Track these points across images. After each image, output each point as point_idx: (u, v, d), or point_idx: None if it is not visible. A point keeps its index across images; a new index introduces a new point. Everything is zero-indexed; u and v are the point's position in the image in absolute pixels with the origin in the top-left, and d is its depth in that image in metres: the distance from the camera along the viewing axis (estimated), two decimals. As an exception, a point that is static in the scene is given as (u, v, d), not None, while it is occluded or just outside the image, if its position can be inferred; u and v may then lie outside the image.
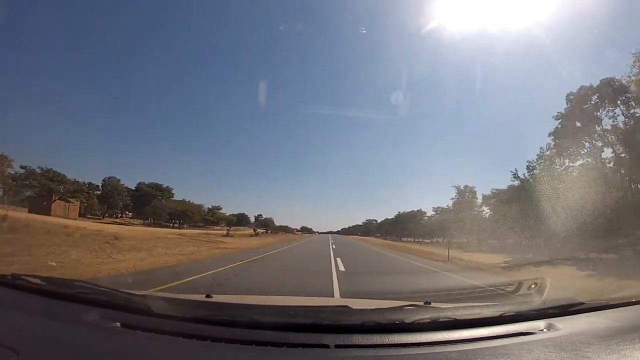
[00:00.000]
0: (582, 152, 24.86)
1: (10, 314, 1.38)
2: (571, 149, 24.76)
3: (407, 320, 1.29)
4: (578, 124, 24.09)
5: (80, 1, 54.75)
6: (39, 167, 39.49)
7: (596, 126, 23.61)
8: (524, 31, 32.19)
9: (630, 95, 21.65)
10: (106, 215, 56.24)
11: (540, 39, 27.35)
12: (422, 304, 1.59)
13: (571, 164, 24.87)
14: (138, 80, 78.37)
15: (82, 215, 53.16)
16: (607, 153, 24.17)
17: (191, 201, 58.90)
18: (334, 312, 1.42)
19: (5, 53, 46.04)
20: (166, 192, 54.95)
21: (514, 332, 1.30)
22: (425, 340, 1.21)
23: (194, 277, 7.26)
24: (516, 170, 26.77)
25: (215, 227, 54.86)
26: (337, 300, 2.70)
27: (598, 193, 17.06)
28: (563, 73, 32.35)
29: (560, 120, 24.87)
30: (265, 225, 74.46)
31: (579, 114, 23.56)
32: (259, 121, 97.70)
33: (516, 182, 26.97)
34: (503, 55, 39.55)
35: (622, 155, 22.94)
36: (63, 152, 74.07)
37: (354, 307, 1.44)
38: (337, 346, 1.15)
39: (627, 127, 22.32)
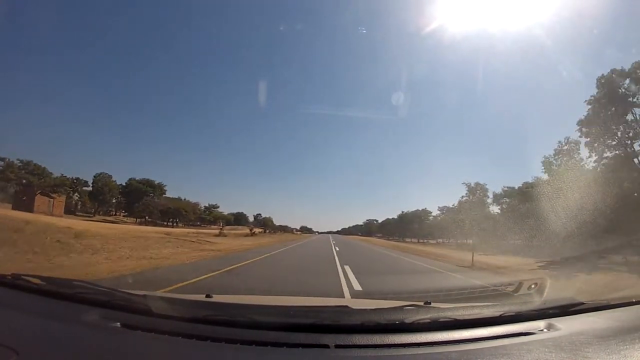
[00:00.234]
0: (613, 142, 22.12)
1: (10, 314, 1.40)
2: (602, 139, 22.01)
3: (407, 321, 1.31)
4: (609, 111, 21.47)
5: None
6: (18, 160, 36.89)
7: (629, 114, 21.03)
8: (525, 31, 32.42)
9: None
10: (100, 213, 53.93)
11: (541, 39, 27.34)
12: (422, 304, 1.60)
13: (606, 154, 22.17)
14: (137, 79, 79.96)
15: (71, 212, 50.82)
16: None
17: (187, 199, 56.60)
18: (334, 312, 1.43)
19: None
20: (158, 188, 52.63)
21: (514, 332, 1.33)
22: (426, 341, 1.23)
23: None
24: (544, 162, 25.84)
25: (213, 226, 52.92)
26: (337, 300, 2.57)
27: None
28: (563, 73, 32.14)
29: (590, 107, 22.13)
30: (264, 224, 73.07)
31: (610, 99, 21.28)
32: (259, 121, 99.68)
33: (534, 178, 26.19)
34: (504, 55, 40.52)
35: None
36: (63, 151, 77.60)
37: (354, 307, 1.47)
38: (337, 346, 1.18)
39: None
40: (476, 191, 41.19)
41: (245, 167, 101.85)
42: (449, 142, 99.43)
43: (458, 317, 1.37)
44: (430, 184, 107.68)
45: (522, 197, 27.12)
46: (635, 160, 22.12)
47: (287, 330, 1.24)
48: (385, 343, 1.20)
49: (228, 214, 72.08)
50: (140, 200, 49.22)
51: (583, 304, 1.58)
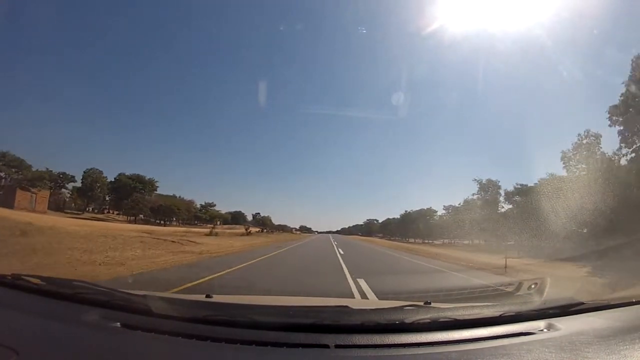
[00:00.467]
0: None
1: (10, 314, 1.43)
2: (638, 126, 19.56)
3: (407, 321, 1.33)
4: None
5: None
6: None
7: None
8: (525, 31, 33.18)
9: None
10: (95, 211, 51.55)
11: (541, 39, 27.75)
12: (422, 304, 1.63)
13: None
14: (136, 78, 79.42)
15: (60, 209, 48.26)
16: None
17: (184, 197, 54.66)
18: (334, 312, 1.46)
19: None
20: (149, 184, 50.06)
21: (514, 332, 1.35)
22: (426, 341, 1.25)
23: None
24: (562, 157, 24.89)
25: (209, 225, 50.77)
26: (337, 300, 2.44)
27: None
28: (564, 73, 32.61)
29: (624, 91, 19.59)
30: (262, 223, 70.87)
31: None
32: (258, 120, 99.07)
33: (549, 174, 25.95)
34: (504, 55, 41.20)
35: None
36: (63, 151, 78.03)
37: (353, 307, 1.49)
38: (337, 346, 1.19)
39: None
40: (488, 188, 38.70)
41: (245, 167, 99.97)
42: (449, 142, 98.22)
43: (458, 317, 1.39)
44: (430, 183, 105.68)
45: (538, 194, 25.58)
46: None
47: (287, 330, 1.27)
48: (385, 343, 1.22)
49: (226, 213, 70.31)
50: (129, 197, 46.44)
51: (583, 304, 1.60)
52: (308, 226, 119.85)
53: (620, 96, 21.48)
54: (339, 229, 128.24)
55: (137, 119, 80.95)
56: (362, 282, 7.37)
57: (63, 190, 49.02)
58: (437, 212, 58.97)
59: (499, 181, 39.75)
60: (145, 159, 79.30)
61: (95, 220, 39.68)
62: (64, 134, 70.14)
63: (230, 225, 58.86)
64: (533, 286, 2.11)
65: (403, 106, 38.54)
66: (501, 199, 38.50)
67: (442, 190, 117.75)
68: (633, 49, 20.61)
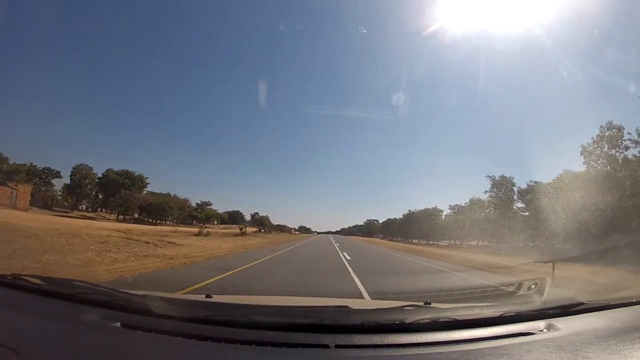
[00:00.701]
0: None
1: (10, 314, 1.44)
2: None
3: (407, 321, 1.35)
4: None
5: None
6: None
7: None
8: (525, 31, 33.49)
9: None
10: (88, 209, 49.40)
11: (541, 39, 27.85)
12: (422, 304, 1.64)
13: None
14: (136, 78, 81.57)
15: (48, 207, 45.91)
16: None
17: (180, 196, 52.88)
18: (334, 312, 1.47)
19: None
20: (138, 181, 47.64)
21: (514, 332, 1.36)
22: (425, 341, 1.27)
23: None
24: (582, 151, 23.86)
25: (206, 225, 48.63)
26: (337, 300, 2.41)
27: None
28: (564, 73, 32.59)
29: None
30: (260, 223, 68.96)
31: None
32: (258, 120, 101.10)
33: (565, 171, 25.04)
34: (504, 55, 41.19)
35: None
36: (63, 150, 78.29)
37: (353, 307, 1.50)
38: (337, 346, 1.21)
39: None
40: (502, 186, 36.19)
41: (244, 167, 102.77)
42: (449, 142, 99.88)
43: (458, 317, 1.41)
44: (431, 184, 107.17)
45: (557, 191, 23.97)
46: None
47: (287, 330, 1.28)
48: (385, 343, 1.24)
49: (223, 212, 68.82)
50: (117, 194, 43.97)
51: (583, 304, 1.62)
52: (307, 226, 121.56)
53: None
54: (339, 229, 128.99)
55: (137, 118, 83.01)
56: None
57: (54, 187, 47.07)
58: (442, 211, 57.71)
59: (513, 178, 37.93)
60: (145, 158, 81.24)
61: (81, 218, 37.51)
62: (63, 133, 70.94)
63: (226, 225, 58.15)
64: (533, 286, 2.11)
65: (403, 106, 39.19)
66: (515, 196, 36.68)
67: (442, 191, 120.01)
68: (633, 49, 21.15)
